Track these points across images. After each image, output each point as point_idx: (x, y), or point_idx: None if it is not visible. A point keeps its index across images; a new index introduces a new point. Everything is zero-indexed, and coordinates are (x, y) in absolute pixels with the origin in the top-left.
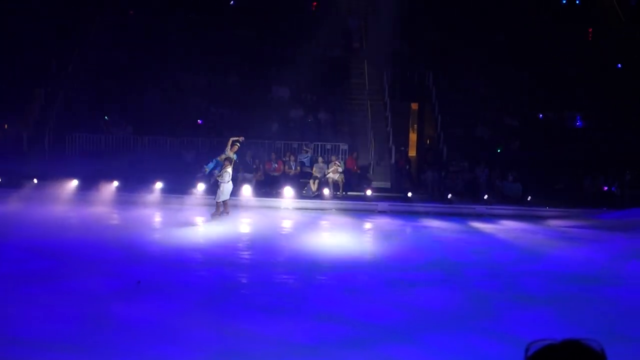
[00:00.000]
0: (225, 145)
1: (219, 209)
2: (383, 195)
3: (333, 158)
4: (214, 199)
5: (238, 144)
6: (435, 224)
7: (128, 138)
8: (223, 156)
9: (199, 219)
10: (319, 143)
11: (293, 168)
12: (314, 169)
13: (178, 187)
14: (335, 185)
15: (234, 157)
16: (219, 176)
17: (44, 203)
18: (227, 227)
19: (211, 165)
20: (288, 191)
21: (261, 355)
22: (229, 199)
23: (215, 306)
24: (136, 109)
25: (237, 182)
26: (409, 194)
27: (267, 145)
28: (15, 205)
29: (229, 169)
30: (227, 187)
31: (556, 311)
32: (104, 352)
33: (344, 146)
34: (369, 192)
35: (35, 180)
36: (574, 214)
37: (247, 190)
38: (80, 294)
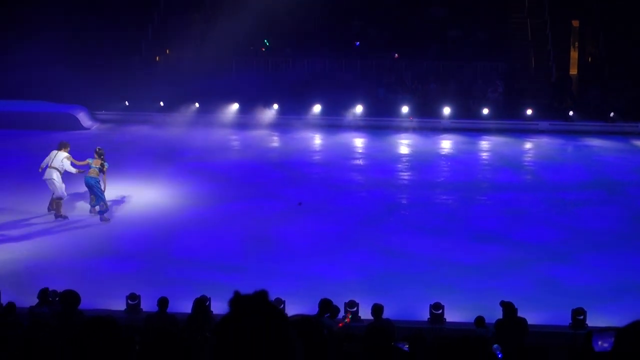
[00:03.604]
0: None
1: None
2: (543, 114)
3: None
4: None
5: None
6: (596, 143)
7: (287, 59)
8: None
9: (358, 140)
10: (478, 63)
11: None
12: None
13: (336, 108)
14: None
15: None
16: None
17: (205, 126)
18: (385, 148)
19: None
20: (447, 110)
21: (421, 275)
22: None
23: (375, 227)
24: (297, 31)
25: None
26: (570, 113)
27: (425, 66)
28: (177, 129)
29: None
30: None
31: None
32: (264, 273)
33: (502, 66)
34: (529, 112)
35: (196, 105)
36: None
37: (405, 109)
38: (242, 215)
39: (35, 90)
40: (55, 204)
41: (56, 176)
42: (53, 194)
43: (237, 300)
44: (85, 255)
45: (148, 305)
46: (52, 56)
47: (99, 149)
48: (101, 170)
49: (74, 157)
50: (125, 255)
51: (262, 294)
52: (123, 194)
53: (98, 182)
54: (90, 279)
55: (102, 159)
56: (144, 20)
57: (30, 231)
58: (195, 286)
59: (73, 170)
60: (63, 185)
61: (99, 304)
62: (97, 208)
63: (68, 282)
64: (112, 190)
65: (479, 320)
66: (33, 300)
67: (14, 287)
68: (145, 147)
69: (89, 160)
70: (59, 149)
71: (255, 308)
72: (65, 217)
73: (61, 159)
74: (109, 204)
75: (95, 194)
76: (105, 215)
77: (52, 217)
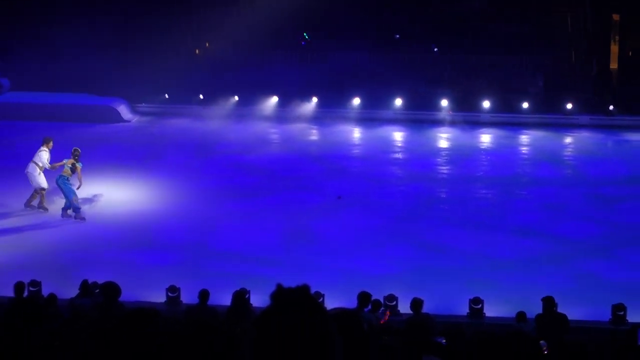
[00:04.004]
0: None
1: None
2: (583, 108)
3: None
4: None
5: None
6: (636, 138)
7: (326, 54)
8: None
9: (397, 134)
10: (518, 56)
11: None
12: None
13: (375, 102)
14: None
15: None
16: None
17: (244, 119)
18: (424, 142)
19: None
20: (487, 104)
21: (460, 269)
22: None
23: (414, 221)
24: (337, 24)
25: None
26: (610, 107)
27: (465, 60)
28: (217, 122)
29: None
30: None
31: None
32: (301, 266)
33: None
34: (569, 106)
35: (236, 98)
36: None
37: (444, 103)
38: (281, 208)
39: (77, 82)
40: (39, 195)
41: (32, 169)
42: (33, 187)
43: (279, 294)
44: (126, 247)
45: (188, 297)
46: (94, 49)
47: (74, 149)
48: (73, 170)
49: (114, 150)
50: (165, 248)
51: (304, 288)
52: (162, 186)
53: (66, 181)
54: (131, 270)
55: (75, 159)
56: (184, 13)
57: (72, 222)
58: (235, 279)
59: (47, 165)
60: (41, 178)
61: (139, 296)
62: (69, 212)
63: (109, 273)
64: (151, 184)
65: (521, 315)
66: (74, 292)
67: (55, 279)
68: (185, 140)
69: (64, 161)
70: (42, 144)
71: (296, 302)
72: (46, 209)
73: (41, 154)
74: (79, 202)
75: (63, 194)
76: (80, 213)
77: (93, 209)
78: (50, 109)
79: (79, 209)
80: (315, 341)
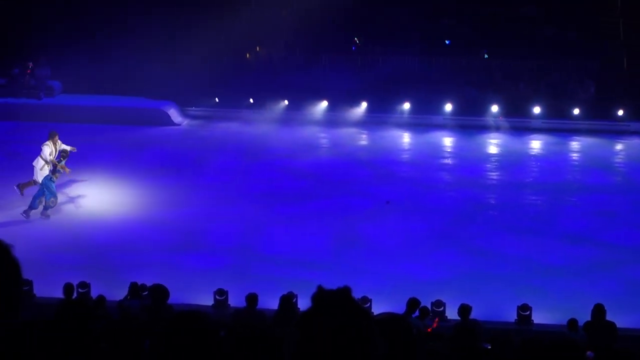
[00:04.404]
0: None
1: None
2: (635, 115)
3: None
4: None
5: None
6: None
7: (376, 58)
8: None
9: (447, 139)
10: (569, 62)
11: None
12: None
13: (425, 107)
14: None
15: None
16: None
17: (293, 123)
18: (474, 148)
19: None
20: (537, 110)
21: (509, 275)
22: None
23: (463, 226)
24: (387, 29)
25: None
26: None
27: (515, 65)
28: (266, 126)
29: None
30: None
31: None
32: (351, 271)
33: (594, 66)
34: (620, 112)
35: (285, 102)
36: None
37: (495, 109)
38: (331, 213)
39: (128, 86)
40: (27, 184)
41: (36, 162)
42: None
43: (320, 296)
44: (174, 250)
45: (235, 301)
46: (145, 52)
47: (63, 150)
48: (54, 171)
49: (163, 153)
50: (213, 251)
51: (345, 290)
52: (211, 190)
53: (51, 181)
54: (179, 273)
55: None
56: (235, 17)
57: (121, 225)
58: (282, 283)
59: (49, 159)
60: (42, 173)
61: (187, 298)
62: (36, 211)
63: (157, 276)
64: (200, 187)
65: (572, 323)
66: (122, 294)
67: (104, 281)
68: (234, 144)
69: (62, 163)
70: (48, 138)
71: (337, 303)
72: (22, 194)
73: (43, 148)
74: (42, 202)
75: (47, 191)
76: (30, 212)
77: (142, 210)
78: (101, 111)
79: (35, 209)
80: (356, 343)
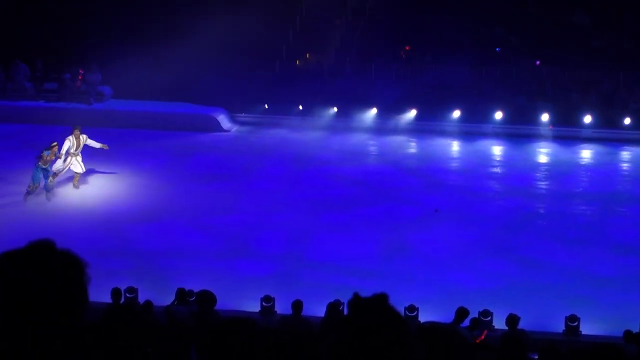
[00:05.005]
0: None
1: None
2: None
3: None
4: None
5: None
6: None
7: (426, 66)
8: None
9: (496, 148)
10: (621, 72)
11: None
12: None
13: (475, 115)
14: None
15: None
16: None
17: (342, 131)
18: (524, 157)
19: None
20: (588, 119)
21: (557, 285)
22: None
23: (511, 236)
24: (436, 39)
25: None
26: None
27: (567, 74)
28: (315, 134)
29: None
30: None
31: None
32: (398, 279)
33: None
34: None
35: (335, 109)
36: None
37: (545, 118)
38: (379, 221)
39: (177, 91)
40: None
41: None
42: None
43: (356, 302)
44: (221, 256)
45: (282, 308)
46: (196, 59)
47: (53, 144)
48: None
49: (213, 159)
50: (261, 257)
51: (381, 297)
52: (259, 196)
53: (36, 167)
54: (226, 279)
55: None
56: (285, 24)
57: (169, 230)
58: (330, 290)
59: (63, 151)
60: (71, 163)
61: (234, 305)
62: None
63: (204, 282)
64: (249, 193)
65: (628, 334)
66: (170, 299)
67: (151, 286)
68: (283, 151)
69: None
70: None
71: (373, 309)
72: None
73: (65, 141)
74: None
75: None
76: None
77: (190, 216)
78: (150, 117)
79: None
80: (392, 347)
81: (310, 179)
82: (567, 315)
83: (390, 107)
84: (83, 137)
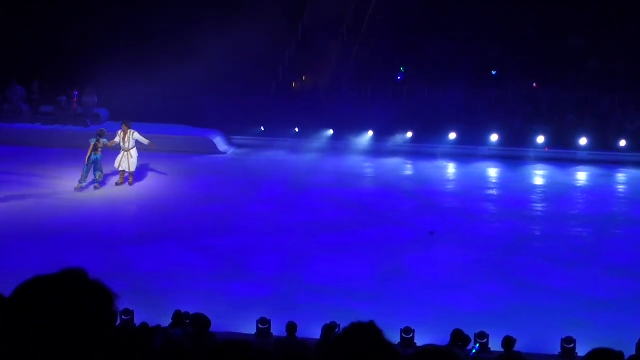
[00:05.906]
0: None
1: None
2: None
3: None
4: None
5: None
6: None
7: (422, 88)
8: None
9: (492, 170)
10: (617, 94)
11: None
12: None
13: (471, 137)
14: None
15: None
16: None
17: (338, 153)
18: (519, 179)
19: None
20: (583, 141)
21: (553, 308)
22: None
23: (507, 258)
24: (433, 59)
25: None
26: None
27: (562, 96)
28: (311, 156)
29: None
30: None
31: None
32: (395, 301)
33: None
34: None
35: (331, 131)
36: None
37: (541, 140)
38: (375, 242)
39: (174, 114)
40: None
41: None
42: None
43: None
44: (217, 278)
45: (278, 330)
46: (192, 81)
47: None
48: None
49: (209, 181)
50: (257, 279)
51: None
52: (256, 218)
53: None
54: (222, 301)
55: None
56: (281, 47)
57: (165, 251)
58: (326, 312)
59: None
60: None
61: (230, 327)
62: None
63: (200, 303)
64: (244, 215)
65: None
66: (166, 321)
67: (147, 308)
68: (279, 173)
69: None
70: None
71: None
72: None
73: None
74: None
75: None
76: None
77: (186, 238)
78: (146, 139)
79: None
80: None
81: (306, 201)
82: (564, 337)
83: (386, 129)
84: (131, 132)
